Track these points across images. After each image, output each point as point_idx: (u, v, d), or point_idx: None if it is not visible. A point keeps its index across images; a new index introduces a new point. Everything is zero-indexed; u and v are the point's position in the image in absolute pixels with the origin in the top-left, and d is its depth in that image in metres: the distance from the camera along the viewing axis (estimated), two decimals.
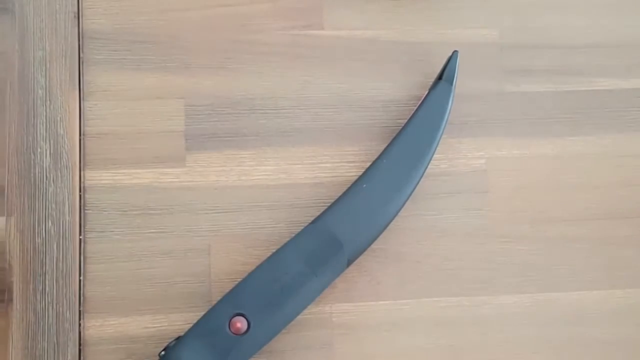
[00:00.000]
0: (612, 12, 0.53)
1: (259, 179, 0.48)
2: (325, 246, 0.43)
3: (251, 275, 0.43)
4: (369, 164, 0.48)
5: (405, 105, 0.50)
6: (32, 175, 0.46)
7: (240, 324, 0.41)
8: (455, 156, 0.50)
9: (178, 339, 0.42)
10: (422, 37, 0.51)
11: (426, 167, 0.47)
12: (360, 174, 0.47)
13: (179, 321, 0.46)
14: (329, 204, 0.46)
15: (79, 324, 0.45)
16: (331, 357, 0.46)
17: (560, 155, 0.50)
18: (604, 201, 0.50)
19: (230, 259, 0.47)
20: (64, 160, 0.46)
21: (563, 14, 0.52)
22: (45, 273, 0.45)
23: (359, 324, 0.47)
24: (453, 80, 0.48)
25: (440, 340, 0.47)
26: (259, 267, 0.43)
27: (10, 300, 0.45)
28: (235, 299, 0.42)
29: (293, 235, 0.45)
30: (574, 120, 0.51)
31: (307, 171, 0.49)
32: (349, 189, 0.45)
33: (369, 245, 0.45)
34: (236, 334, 0.41)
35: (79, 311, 0.45)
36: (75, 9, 0.49)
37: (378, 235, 0.45)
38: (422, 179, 0.47)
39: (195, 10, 0.50)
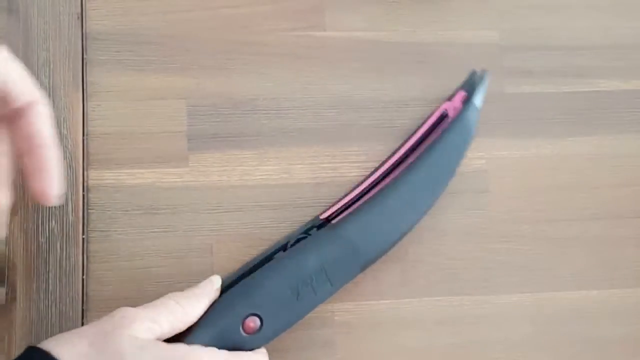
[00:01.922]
0: (612, 14, 0.53)
1: (260, 179, 0.48)
2: (343, 254, 0.43)
3: (267, 274, 0.43)
4: (369, 164, 0.48)
5: (406, 106, 0.50)
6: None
7: (254, 324, 0.41)
8: None
9: (188, 328, 0.42)
10: (422, 39, 0.51)
11: (445, 188, 0.47)
12: (361, 174, 0.47)
13: None
14: (330, 204, 0.46)
15: (82, 323, 0.45)
16: (333, 356, 0.47)
17: (560, 156, 0.51)
18: (603, 201, 0.50)
19: (232, 258, 0.47)
20: (68, 160, 0.47)
21: (563, 15, 0.53)
22: (48, 272, 0.46)
23: (361, 322, 0.47)
24: (480, 104, 0.48)
25: (442, 339, 0.48)
26: (276, 267, 0.43)
27: (14, 298, 0.45)
28: (251, 298, 0.42)
29: (295, 233, 0.45)
30: (574, 121, 0.51)
31: (309, 171, 0.49)
32: (372, 198, 0.45)
33: (382, 255, 0.45)
34: (248, 334, 0.41)
35: (82, 310, 0.46)
36: (79, 10, 0.49)
37: (392, 248, 0.46)
38: None
39: (198, 11, 0.50)
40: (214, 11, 0.50)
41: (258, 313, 0.41)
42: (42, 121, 0.35)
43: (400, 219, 0.45)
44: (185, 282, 0.46)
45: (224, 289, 0.43)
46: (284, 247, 0.45)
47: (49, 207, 0.46)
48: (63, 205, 0.46)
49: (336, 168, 0.49)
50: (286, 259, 0.43)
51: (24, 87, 0.35)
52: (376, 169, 0.48)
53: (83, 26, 0.49)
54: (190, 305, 0.40)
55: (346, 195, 0.47)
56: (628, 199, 0.51)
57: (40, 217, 0.46)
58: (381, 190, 0.45)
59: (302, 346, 0.47)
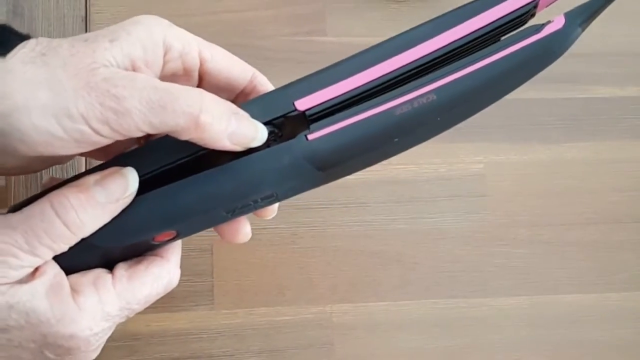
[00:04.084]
0: (607, 22, 0.53)
1: None
2: (312, 183, 0.33)
3: (203, 190, 0.31)
4: (369, 167, 0.49)
5: None
6: (38, 174, 0.47)
7: (168, 237, 0.33)
8: (454, 160, 0.50)
9: None
10: None
11: None
12: (358, 177, 0.48)
13: (182, 319, 0.46)
14: (328, 205, 0.47)
15: None
16: (331, 357, 0.47)
17: (557, 161, 0.51)
18: (599, 206, 0.51)
19: (232, 258, 0.47)
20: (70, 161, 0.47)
21: None
22: None
23: (358, 324, 0.48)
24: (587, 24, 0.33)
25: (439, 341, 0.48)
26: (216, 183, 0.31)
27: None
28: (174, 218, 0.31)
29: (294, 235, 0.46)
30: (571, 126, 0.52)
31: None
32: (384, 114, 0.31)
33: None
34: (158, 241, 0.33)
35: None
36: (83, 14, 0.50)
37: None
38: (422, 183, 0.48)
39: (201, 15, 0.51)
40: (216, 15, 0.51)
41: (178, 230, 0.32)
42: (267, 84, 0.36)
43: (405, 143, 0.33)
44: (185, 281, 0.47)
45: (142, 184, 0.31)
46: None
47: None
48: None
49: None
50: (233, 176, 0.31)
51: (240, 67, 0.35)
52: (395, 47, 0.33)
53: (87, 29, 0.50)
54: (88, 216, 0.30)
55: (342, 79, 0.33)
56: (625, 204, 0.51)
57: None
58: (407, 105, 0.31)
59: (299, 347, 0.47)
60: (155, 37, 0.31)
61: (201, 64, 0.34)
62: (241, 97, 0.35)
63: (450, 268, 0.49)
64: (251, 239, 0.47)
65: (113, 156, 0.34)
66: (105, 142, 0.29)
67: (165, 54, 0.32)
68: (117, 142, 0.33)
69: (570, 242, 0.50)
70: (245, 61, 0.50)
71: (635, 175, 0.52)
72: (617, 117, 0.52)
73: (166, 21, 0.32)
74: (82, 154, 0.35)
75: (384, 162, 0.49)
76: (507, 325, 0.49)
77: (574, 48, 0.52)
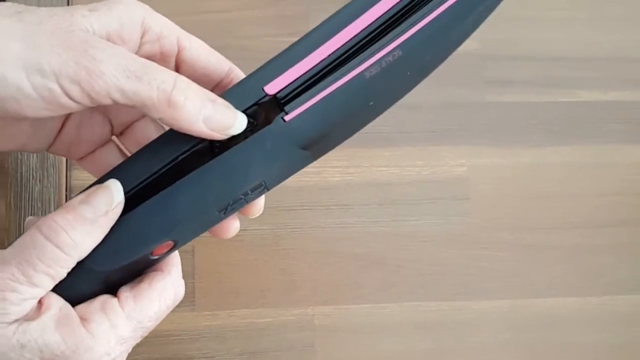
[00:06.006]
0: (592, 27, 0.54)
1: None
2: (299, 164, 0.34)
3: (189, 192, 0.31)
4: (352, 169, 0.49)
5: (388, 112, 0.51)
6: (18, 174, 0.46)
7: (166, 247, 0.32)
8: (437, 163, 0.50)
9: None
10: None
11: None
12: (343, 179, 0.48)
13: (163, 321, 0.46)
14: (310, 207, 0.47)
15: None
16: (312, 359, 0.47)
17: (540, 165, 0.51)
18: (581, 210, 0.51)
19: (214, 260, 0.47)
20: (51, 159, 0.47)
21: (544, 27, 0.53)
22: None
23: (340, 326, 0.47)
24: None
25: (420, 343, 0.48)
26: (202, 182, 0.31)
27: None
28: (168, 225, 0.31)
29: (276, 237, 0.45)
30: (553, 130, 0.52)
31: (292, 175, 0.49)
32: (349, 85, 0.31)
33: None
34: (156, 255, 0.32)
35: None
36: None
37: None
38: (404, 186, 0.48)
39: (184, 15, 0.50)
40: (200, 16, 0.51)
41: (174, 239, 0.32)
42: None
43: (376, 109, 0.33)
44: None
45: (129, 199, 0.31)
46: (210, 148, 0.32)
47: (32, 207, 0.46)
48: (45, 205, 0.46)
49: (318, 172, 0.49)
50: (220, 171, 0.31)
51: (217, 59, 0.35)
52: (351, 13, 0.33)
53: None
54: (79, 234, 0.29)
55: (306, 55, 0.32)
56: (606, 208, 0.52)
57: (22, 216, 0.46)
58: (367, 73, 0.31)
59: (281, 349, 0.47)
60: (134, 16, 0.31)
61: (179, 52, 0.34)
62: (218, 90, 0.35)
63: (433, 271, 0.49)
64: (233, 240, 0.47)
65: (85, 157, 0.35)
66: (74, 107, 0.28)
67: (143, 35, 0.32)
68: (90, 139, 0.34)
69: (552, 245, 0.50)
70: None
71: (618, 180, 0.52)
72: (599, 121, 0.53)
73: (148, 6, 0.33)
74: (50, 151, 0.35)
75: (366, 164, 0.49)
76: (489, 328, 0.49)
77: (557, 52, 0.53)
